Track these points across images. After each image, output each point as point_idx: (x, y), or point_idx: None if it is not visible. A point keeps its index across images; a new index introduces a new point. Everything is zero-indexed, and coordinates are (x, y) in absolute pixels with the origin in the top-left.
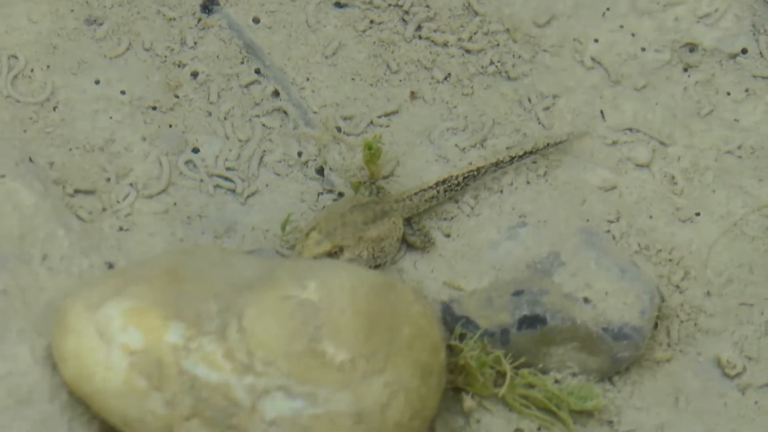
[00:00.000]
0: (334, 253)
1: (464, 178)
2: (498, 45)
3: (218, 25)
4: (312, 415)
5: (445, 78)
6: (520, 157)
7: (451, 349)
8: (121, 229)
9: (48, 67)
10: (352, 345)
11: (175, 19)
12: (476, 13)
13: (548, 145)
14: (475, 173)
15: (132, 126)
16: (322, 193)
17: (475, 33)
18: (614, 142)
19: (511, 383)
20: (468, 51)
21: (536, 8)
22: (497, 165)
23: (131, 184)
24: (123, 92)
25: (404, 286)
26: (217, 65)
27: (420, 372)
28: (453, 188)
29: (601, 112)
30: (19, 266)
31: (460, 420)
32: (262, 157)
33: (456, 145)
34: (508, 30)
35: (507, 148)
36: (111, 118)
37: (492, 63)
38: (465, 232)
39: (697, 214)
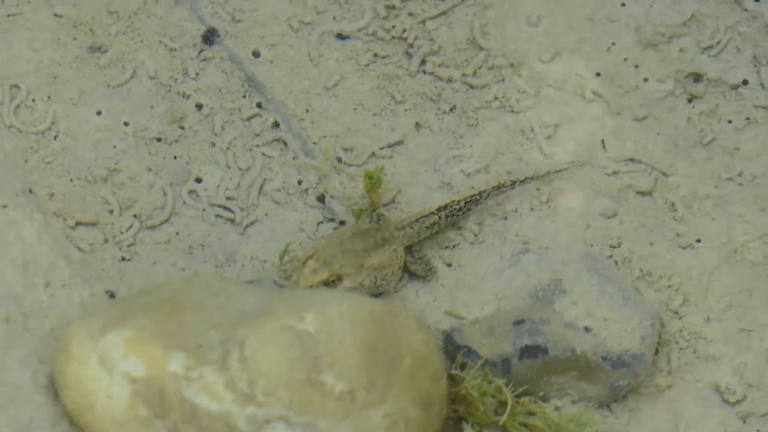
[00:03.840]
0: (332, 282)
1: (466, 203)
2: (503, 80)
3: (219, 57)
4: None
5: (451, 109)
6: (522, 181)
7: (452, 379)
8: (123, 259)
9: (49, 97)
10: (352, 375)
11: (176, 50)
12: (481, 48)
13: (549, 172)
14: (477, 197)
15: (137, 156)
16: (322, 222)
17: (479, 67)
18: (615, 172)
19: (512, 411)
20: (472, 86)
21: (541, 43)
22: (499, 189)
23: (135, 216)
24: (126, 123)
25: (407, 315)
26: (219, 98)
27: (421, 401)
28: (454, 213)
29: (602, 141)
30: (21, 294)
31: None
32: (262, 186)
33: (461, 170)
34: (512, 65)
35: (508, 172)
36: (115, 147)
37: (496, 98)
38: (467, 260)
39: (698, 241)
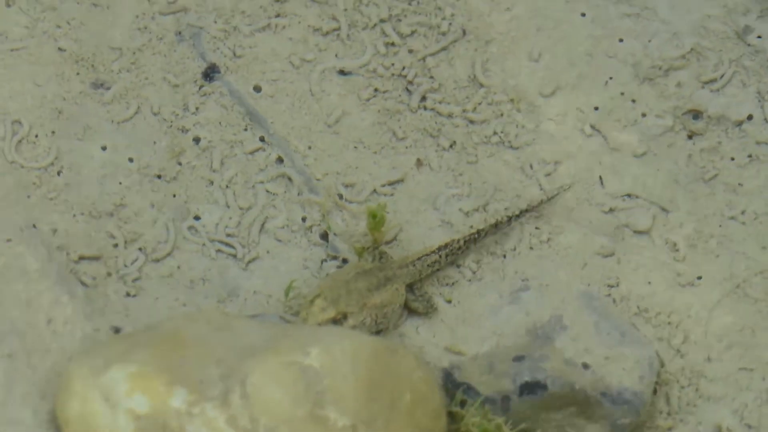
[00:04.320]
0: (338, 320)
1: (465, 241)
2: (502, 115)
3: (219, 92)
4: None
5: (450, 146)
6: (517, 216)
7: (452, 416)
8: (128, 294)
9: (53, 132)
10: (354, 410)
11: (179, 86)
12: (481, 85)
13: (542, 201)
14: (476, 236)
15: (141, 192)
16: (325, 260)
17: (479, 104)
18: (611, 209)
19: None
20: (472, 122)
21: (542, 79)
22: (496, 226)
23: (140, 249)
24: (131, 160)
25: (406, 352)
26: (219, 132)
27: None
28: (454, 252)
29: (600, 178)
30: (24, 329)
31: None
32: (263, 224)
33: (460, 209)
34: (512, 100)
35: (505, 209)
36: (120, 183)
37: (495, 133)
38: (467, 297)
39: (699, 278)
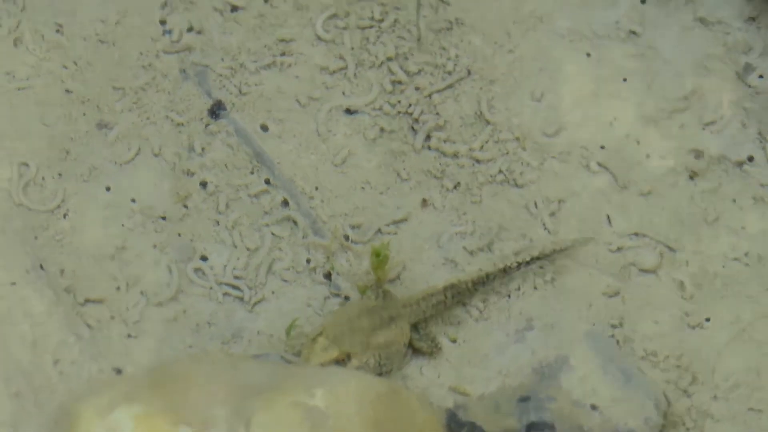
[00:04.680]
0: (341, 360)
1: (474, 283)
2: (507, 153)
3: (225, 131)
4: None
5: (455, 186)
6: (527, 263)
7: None
8: (129, 336)
9: (60, 174)
10: None
11: (183, 125)
12: (488, 122)
13: (554, 251)
14: (484, 279)
15: (143, 234)
16: (328, 297)
17: (486, 142)
18: (619, 248)
19: None
20: (478, 161)
21: (546, 119)
22: (505, 271)
23: (142, 292)
24: (133, 200)
25: (409, 394)
26: (226, 175)
27: None
28: (461, 293)
29: (608, 216)
30: (31, 370)
31: None
32: (270, 266)
33: (464, 247)
34: (517, 138)
35: (515, 253)
36: (123, 225)
37: (501, 172)
38: (472, 337)
39: (707, 320)
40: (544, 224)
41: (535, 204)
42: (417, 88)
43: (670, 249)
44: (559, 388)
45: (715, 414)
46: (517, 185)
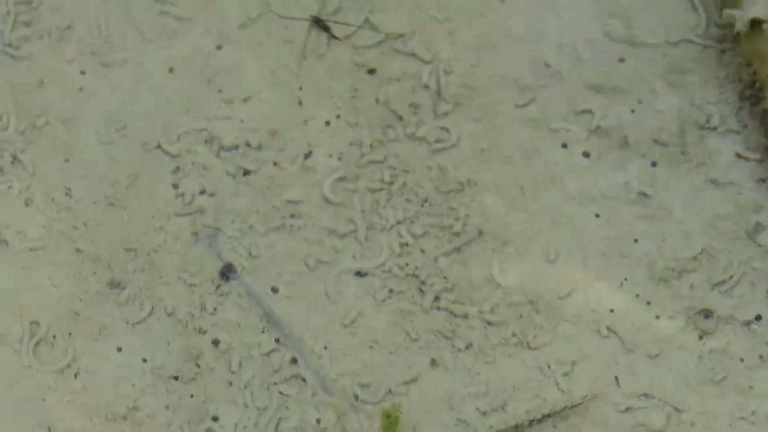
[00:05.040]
0: None
1: None
2: (521, 316)
3: (236, 293)
4: None
5: (467, 347)
6: (539, 420)
7: None
8: None
9: (70, 333)
10: None
11: (195, 285)
12: (499, 285)
13: (565, 407)
14: None
15: (155, 395)
16: None
17: (497, 305)
18: (628, 409)
19: None
20: (490, 323)
21: (558, 281)
22: (517, 428)
23: None
24: (145, 360)
25: None
26: (238, 334)
27: None
28: None
29: (616, 378)
30: None
31: None
32: (278, 425)
33: (477, 408)
34: (531, 302)
35: (526, 411)
36: (134, 386)
37: (514, 335)
38: None
39: None
40: (557, 384)
41: (549, 366)
42: (422, 251)
43: (677, 410)
44: None
45: None
46: (530, 348)
